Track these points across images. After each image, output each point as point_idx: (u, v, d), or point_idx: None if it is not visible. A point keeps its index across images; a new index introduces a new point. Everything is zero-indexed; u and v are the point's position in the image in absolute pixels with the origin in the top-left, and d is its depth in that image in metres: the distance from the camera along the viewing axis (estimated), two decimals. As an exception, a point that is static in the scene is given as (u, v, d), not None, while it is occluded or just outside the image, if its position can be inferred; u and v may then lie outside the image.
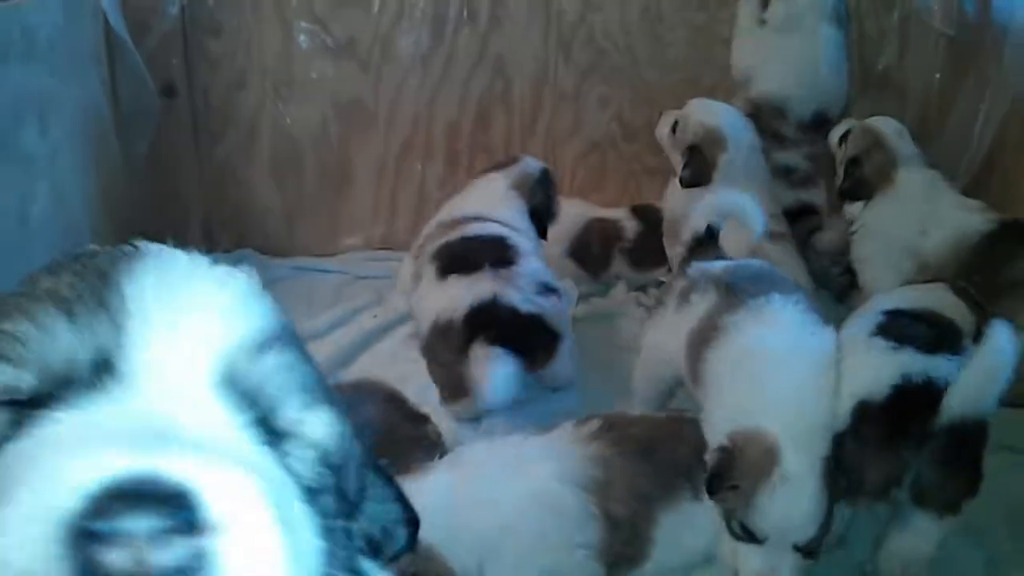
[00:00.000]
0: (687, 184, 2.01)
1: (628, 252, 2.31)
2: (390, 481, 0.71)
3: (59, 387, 0.51)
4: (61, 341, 0.53)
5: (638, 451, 1.40)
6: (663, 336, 1.61)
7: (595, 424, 1.44)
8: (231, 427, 0.52)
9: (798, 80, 2.20)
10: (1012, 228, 1.80)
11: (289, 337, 0.60)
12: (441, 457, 1.45)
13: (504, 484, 1.35)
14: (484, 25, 2.33)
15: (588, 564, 1.33)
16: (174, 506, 0.42)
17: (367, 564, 0.66)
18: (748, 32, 2.25)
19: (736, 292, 1.48)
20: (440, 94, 2.38)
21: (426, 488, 1.33)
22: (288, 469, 0.55)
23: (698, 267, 1.61)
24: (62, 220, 1.89)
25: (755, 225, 1.65)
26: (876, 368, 1.33)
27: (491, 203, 2.01)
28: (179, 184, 2.33)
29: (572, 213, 2.37)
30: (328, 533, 0.55)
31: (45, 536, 0.41)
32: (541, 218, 2.07)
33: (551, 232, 2.31)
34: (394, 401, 1.53)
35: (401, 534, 0.71)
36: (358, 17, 2.29)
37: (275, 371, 0.56)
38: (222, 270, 0.63)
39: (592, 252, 2.33)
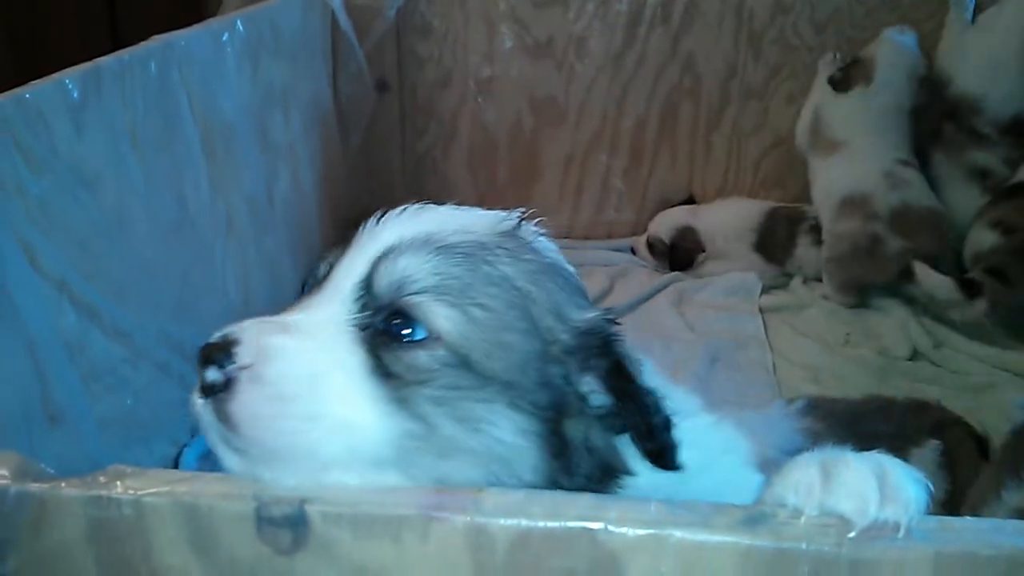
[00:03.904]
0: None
1: (811, 231, 2.35)
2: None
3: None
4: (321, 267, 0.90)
5: (844, 424, 1.47)
6: None
7: (802, 402, 1.52)
8: (336, 316, 0.80)
9: (999, 76, 2.21)
10: None
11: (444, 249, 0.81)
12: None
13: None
14: (676, 25, 2.42)
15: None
16: (220, 351, 0.74)
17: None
18: (954, 33, 2.27)
19: None
20: (630, 91, 2.49)
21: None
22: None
23: None
24: (297, 200, 2.09)
25: None
26: None
27: None
28: (386, 172, 2.52)
29: (753, 208, 2.44)
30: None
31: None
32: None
33: (734, 229, 2.40)
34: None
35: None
36: (557, 18, 2.42)
37: (403, 270, 0.79)
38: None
39: (778, 238, 2.39)
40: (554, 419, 0.79)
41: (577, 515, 0.65)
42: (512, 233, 0.86)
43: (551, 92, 2.49)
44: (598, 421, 0.81)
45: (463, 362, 0.77)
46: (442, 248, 0.81)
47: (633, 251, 2.57)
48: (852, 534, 0.61)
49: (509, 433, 0.77)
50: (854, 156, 2.24)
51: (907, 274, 2.12)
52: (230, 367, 0.74)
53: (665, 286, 2.37)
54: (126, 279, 1.43)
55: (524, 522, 0.65)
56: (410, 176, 2.55)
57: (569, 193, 2.61)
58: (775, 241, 2.38)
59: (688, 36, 2.43)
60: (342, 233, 2.46)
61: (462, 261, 0.80)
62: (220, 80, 1.72)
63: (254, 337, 0.76)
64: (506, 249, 0.83)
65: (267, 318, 0.80)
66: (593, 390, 0.81)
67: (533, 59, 2.46)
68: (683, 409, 0.85)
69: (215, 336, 0.77)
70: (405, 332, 0.78)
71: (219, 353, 0.75)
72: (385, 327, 0.78)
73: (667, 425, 0.79)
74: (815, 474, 0.65)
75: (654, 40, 2.44)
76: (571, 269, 0.90)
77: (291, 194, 2.05)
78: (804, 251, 2.36)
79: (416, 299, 0.78)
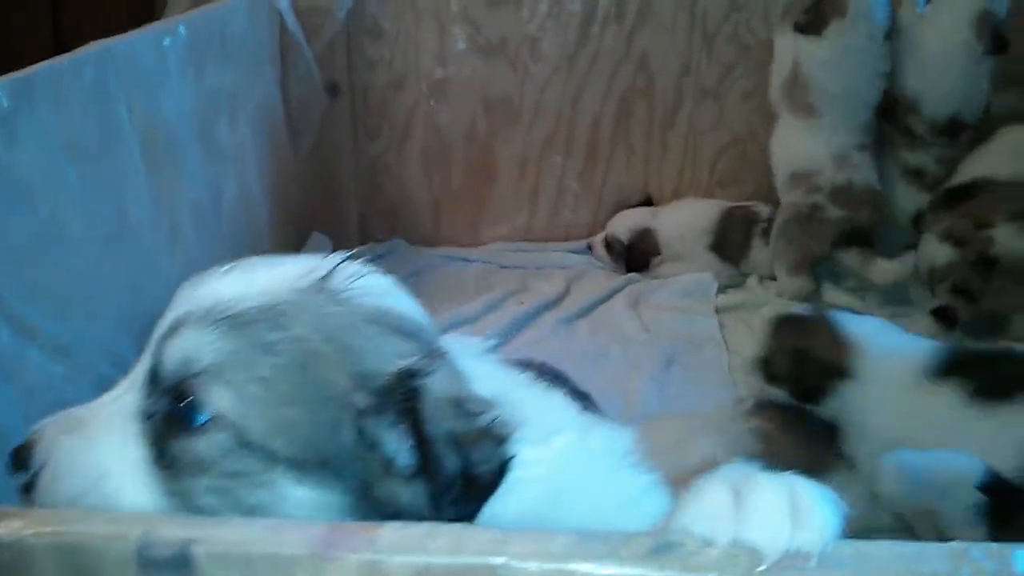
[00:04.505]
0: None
1: (765, 232, 2.36)
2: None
3: None
4: None
5: (795, 425, 1.47)
6: None
7: (751, 402, 1.52)
8: (127, 405, 0.79)
9: (935, 79, 2.21)
10: None
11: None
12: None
13: (671, 458, 1.43)
14: (630, 24, 2.41)
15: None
16: (25, 452, 0.78)
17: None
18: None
19: None
20: (584, 91, 2.47)
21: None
22: None
23: None
24: (246, 207, 2.06)
25: None
26: None
27: None
28: (338, 177, 2.48)
29: (708, 209, 2.44)
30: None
31: None
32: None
33: (691, 231, 2.40)
34: (560, 380, 1.62)
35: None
36: (509, 18, 2.40)
37: (183, 348, 0.76)
38: None
39: (733, 239, 2.39)
40: (360, 487, 0.75)
41: (478, 550, 0.62)
42: (321, 285, 0.80)
43: (505, 93, 2.47)
44: (408, 482, 0.75)
45: (244, 444, 0.74)
46: (225, 319, 0.76)
47: (591, 250, 2.56)
48: (762, 567, 0.58)
49: (305, 512, 0.74)
50: (817, 133, 2.24)
51: (844, 242, 2.19)
52: (33, 467, 0.77)
53: (622, 288, 2.36)
54: (65, 294, 1.38)
55: (423, 558, 0.62)
56: (363, 180, 2.51)
57: (525, 195, 2.59)
58: (731, 242, 2.38)
59: (642, 35, 2.43)
60: (294, 239, 2.44)
61: (245, 331, 0.76)
62: (161, 86, 1.68)
63: (50, 436, 0.78)
64: (307, 306, 0.78)
65: (70, 411, 0.80)
66: (399, 450, 0.75)
67: (486, 60, 2.43)
68: (554, 428, 0.82)
69: (26, 436, 0.79)
70: (190, 417, 0.74)
71: (24, 454, 0.78)
72: (170, 413, 0.75)
73: (489, 472, 0.74)
74: (724, 500, 0.62)
75: (608, 39, 2.43)
76: (402, 310, 0.83)
77: (239, 201, 2.01)
78: (759, 251, 2.36)
79: (196, 380, 0.74)
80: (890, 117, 2.29)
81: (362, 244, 2.53)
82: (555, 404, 0.90)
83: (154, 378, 0.77)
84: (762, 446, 1.45)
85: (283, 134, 2.28)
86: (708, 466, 1.40)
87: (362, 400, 0.76)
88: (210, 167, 1.86)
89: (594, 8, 2.40)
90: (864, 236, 2.21)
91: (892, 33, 2.23)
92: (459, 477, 0.73)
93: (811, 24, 2.21)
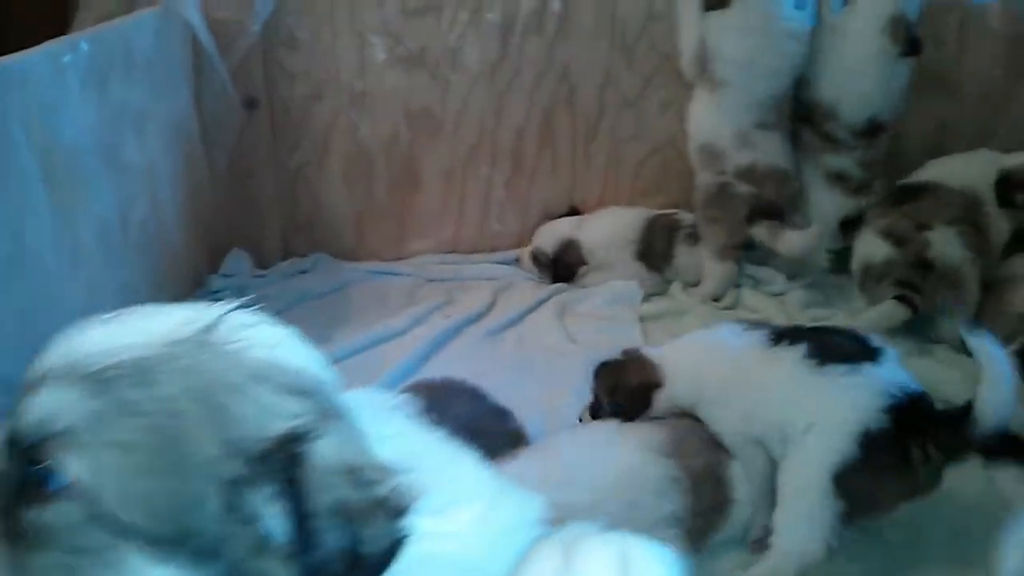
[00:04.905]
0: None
1: (688, 239, 2.38)
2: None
3: None
4: None
5: (700, 425, 1.53)
6: None
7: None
8: None
9: (851, 85, 2.24)
10: None
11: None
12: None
13: (592, 463, 1.44)
14: (550, 35, 2.40)
15: (676, 542, 1.40)
16: None
17: None
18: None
19: None
20: (507, 102, 2.46)
21: (517, 469, 1.41)
22: None
23: None
24: (158, 226, 2.00)
25: None
26: None
27: None
28: (258, 192, 2.43)
29: (632, 218, 2.44)
30: None
31: None
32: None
33: (615, 240, 2.40)
34: (478, 398, 1.61)
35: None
36: (429, 29, 2.37)
37: (40, 408, 0.69)
38: None
39: (657, 247, 2.40)
40: (229, 567, 0.68)
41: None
42: (202, 337, 0.72)
43: (427, 104, 2.45)
44: (286, 562, 0.68)
45: (95, 516, 0.66)
46: (87, 376, 0.69)
47: (518, 262, 2.55)
48: None
49: None
50: (722, 106, 2.26)
51: (754, 217, 2.24)
52: None
53: (548, 298, 2.35)
54: (-44, 323, 1.33)
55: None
56: (284, 194, 2.47)
57: (451, 206, 2.57)
58: (655, 250, 2.39)
59: (562, 46, 2.42)
60: (213, 258, 2.38)
61: (107, 389, 0.68)
62: (62, 105, 1.62)
63: None
64: (179, 361, 0.70)
65: None
66: (276, 526, 0.68)
67: (407, 71, 2.41)
68: (462, 497, 0.78)
69: None
70: (43, 483, 0.67)
71: None
72: (24, 478, 0.69)
73: (380, 550, 0.69)
74: (557, 563, 0.61)
75: (529, 50, 2.42)
76: (296, 364, 0.75)
77: (151, 221, 1.96)
78: (683, 258, 2.38)
79: (51, 443, 0.67)
80: (810, 122, 2.31)
81: (283, 260, 2.48)
82: (465, 468, 0.84)
83: (13, 439, 0.70)
84: (668, 434, 1.48)
85: (198, 150, 2.23)
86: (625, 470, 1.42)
87: (234, 469, 0.68)
88: (117, 187, 1.81)
89: (513, 19, 2.38)
90: (773, 210, 2.25)
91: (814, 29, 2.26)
92: (343, 555, 0.67)
93: (720, 0, 2.24)
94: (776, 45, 2.22)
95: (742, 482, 1.46)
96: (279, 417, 0.70)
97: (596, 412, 1.66)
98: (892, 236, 2.10)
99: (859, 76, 2.23)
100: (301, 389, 0.73)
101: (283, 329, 0.79)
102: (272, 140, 2.42)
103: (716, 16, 2.25)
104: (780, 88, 2.27)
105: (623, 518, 1.38)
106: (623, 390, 1.60)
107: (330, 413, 0.73)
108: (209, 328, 0.73)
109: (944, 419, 1.39)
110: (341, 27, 2.35)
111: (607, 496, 1.39)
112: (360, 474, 0.70)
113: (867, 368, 1.42)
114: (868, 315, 2.06)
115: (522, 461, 1.44)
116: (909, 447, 1.36)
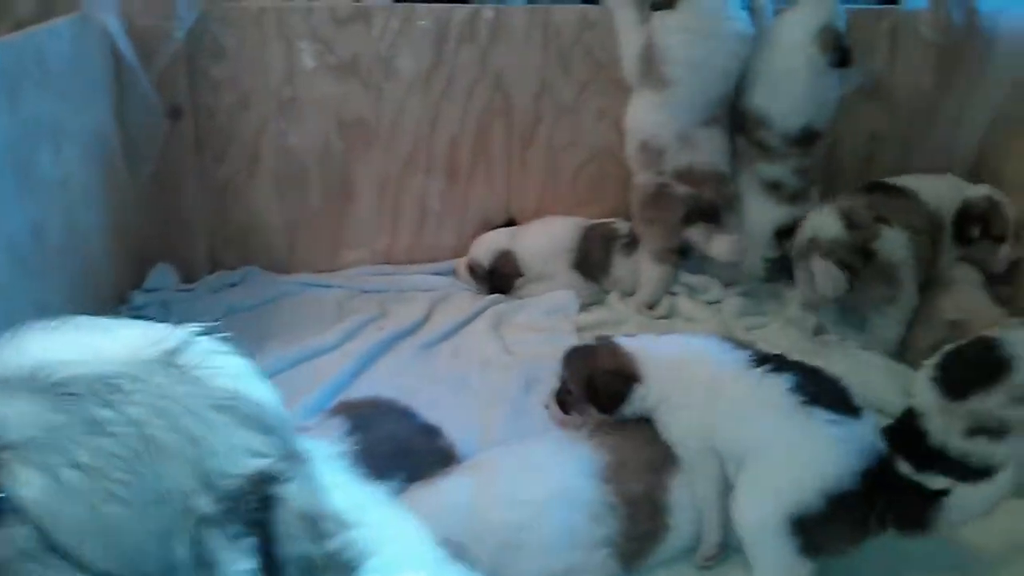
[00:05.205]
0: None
1: (625, 249, 2.36)
2: None
3: None
4: None
5: (637, 428, 1.50)
6: None
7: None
8: None
9: (784, 95, 2.25)
10: None
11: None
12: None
13: (523, 483, 1.40)
14: (484, 42, 2.37)
15: (609, 563, 1.38)
16: None
17: None
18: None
19: None
20: (442, 110, 2.42)
21: (445, 489, 1.38)
22: None
23: None
24: (75, 241, 1.93)
25: None
26: None
27: None
28: (184, 204, 2.36)
29: (569, 228, 2.42)
30: None
31: None
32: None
33: (552, 251, 2.37)
34: (407, 417, 1.57)
35: None
36: (360, 36, 2.33)
37: None
38: None
39: (595, 257, 2.38)
40: None
41: None
42: (168, 359, 0.67)
43: (360, 113, 2.40)
44: None
45: (46, 547, 0.59)
46: (48, 386, 0.62)
47: (456, 273, 2.51)
48: None
49: None
50: (666, 105, 2.24)
51: (691, 218, 2.24)
52: None
53: (485, 309, 2.31)
54: None
55: None
56: (212, 206, 2.40)
57: (386, 217, 2.52)
58: (592, 260, 2.37)
59: (496, 53, 2.39)
60: (136, 272, 2.30)
61: (69, 404, 0.61)
62: (-33, 116, 1.55)
63: None
64: (149, 382, 0.64)
65: None
66: (239, 570, 0.63)
67: (338, 79, 2.35)
68: (407, 561, 0.74)
69: None
70: None
71: None
72: None
73: None
74: None
75: (462, 58, 2.38)
76: (259, 398, 0.70)
77: (68, 236, 1.88)
78: (620, 267, 2.36)
79: (4, 455, 0.60)
80: (743, 131, 2.31)
81: (211, 273, 2.41)
82: (410, 531, 0.80)
83: None
84: (609, 457, 1.44)
85: (119, 162, 2.15)
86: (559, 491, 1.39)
87: (206, 506, 0.63)
88: (29, 201, 1.73)
89: (446, 26, 2.35)
90: (710, 212, 2.25)
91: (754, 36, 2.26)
92: None
93: (667, 0, 2.23)
94: (725, 45, 2.22)
95: (681, 509, 1.43)
96: (249, 454, 0.66)
97: (565, 404, 1.59)
98: (849, 219, 2.10)
99: (790, 85, 2.24)
100: (267, 426, 0.68)
101: (243, 360, 0.73)
102: (198, 150, 2.35)
103: (663, 16, 2.23)
104: (729, 88, 2.27)
105: (555, 540, 1.36)
106: (599, 379, 1.53)
107: (293, 455, 0.69)
108: (176, 351, 0.68)
109: (911, 492, 1.38)
110: (269, 34, 2.30)
111: (540, 517, 1.37)
112: (319, 525, 0.66)
113: (850, 423, 1.38)
114: (806, 276, 2.11)
115: (453, 479, 1.41)
116: (870, 513, 1.35)
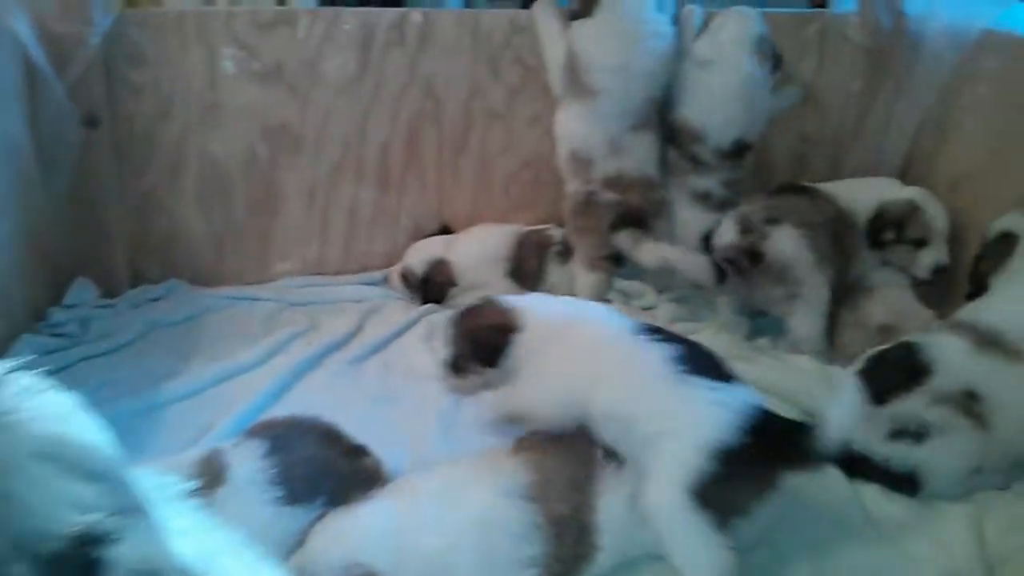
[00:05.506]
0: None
1: (559, 256, 2.34)
2: None
3: None
4: None
5: (562, 446, 1.45)
6: None
7: (514, 440, 1.50)
8: None
9: (717, 110, 2.24)
10: None
11: None
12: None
13: (448, 505, 1.36)
14: (412, 47, 2.33)
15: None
16: None
17: None
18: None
19: None
20: (370, 117, 2.37)
21: (368, 513, 1.34)
22: None
23: None
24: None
25: None
26: None
27: None
28: (104, 216, 2.28)
29: (503, 235, 2.39)
30: None
31: None
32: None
33: (486, 259, 2.34)
34: (330, 437, 1.52)
35: None
36: (284, 41, 2.27)
37: None
38: None
39: (529, 265, 2.35)
40: None
41: None
42: None
43: (285, 119, 2.34)
44: None
45: None
46: None
47: (388, 281, 2.46)
48: None
49: None
50: (596, 113, 2.21)
51: (618, 224, 2.22)
52: None
53: (417, 320, 2.27)
54: None
55: None
56: (132, 217, 2.32)
57: (315, 226, 2.47)
58: (526, 268, 2.34)
59: (425, 58, 2.35)
60: (54, 288, 2.22)
61: None
62: None
63: None
64: None
65: None
66: None
67: (262, 85, 2.29)
68: None
69: None
70: None
71: None
72: None
73: None
74: None
75: (391, 63, 2.34)
76: (85, 441, 0.64)
77: (-25, 251, 1.80)
78: (555, 275, 2.33)
79: None
80: (676, 144, 2.30)
81: (133, 287, 2.33)
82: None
83: None
84: (534, 476, 1.40)
85: (33, 173, 2.06)
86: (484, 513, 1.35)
87: (21, 574, 0.57)
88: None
89: (372, 31, 2.30)
90: (637, 218, 2.23)
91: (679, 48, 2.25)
92: None
93: (585, 8, 2.21)
94: (645, 46, 2.20)
95: (609, 528, 1.40)
96: (72, 509, 0.60)
97: (456, 366, 1.65)
98: (741, 224, 2.10)
99: (729, 102, 2.22)
100: (95, 474, 0.62)
101: (72, 399, 0.67)
102: (117, 159, 2.27)
103: (581, 25, 2.21)
104: (656, 89, 2.24)
105: (481, 563, 1.33)
106: (479, 331, 1.59)
107: (127, 505, 0.63)
108: None
109: (793, 431, 1.40)
110: (189, 39, 2.23)
111: (465, 540, 1.33)
112: None
113: (727, 387, 1.40)
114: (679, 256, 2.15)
115: (373, 503, 1.37)
116: (764, 463, 1.37)
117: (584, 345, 1.50)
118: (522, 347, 1.54)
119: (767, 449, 1.36)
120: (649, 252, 2.20)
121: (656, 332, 1.50)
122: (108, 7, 2.15)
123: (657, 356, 1.44)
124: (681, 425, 1.37)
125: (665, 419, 1.38)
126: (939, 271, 2.10)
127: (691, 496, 1.32)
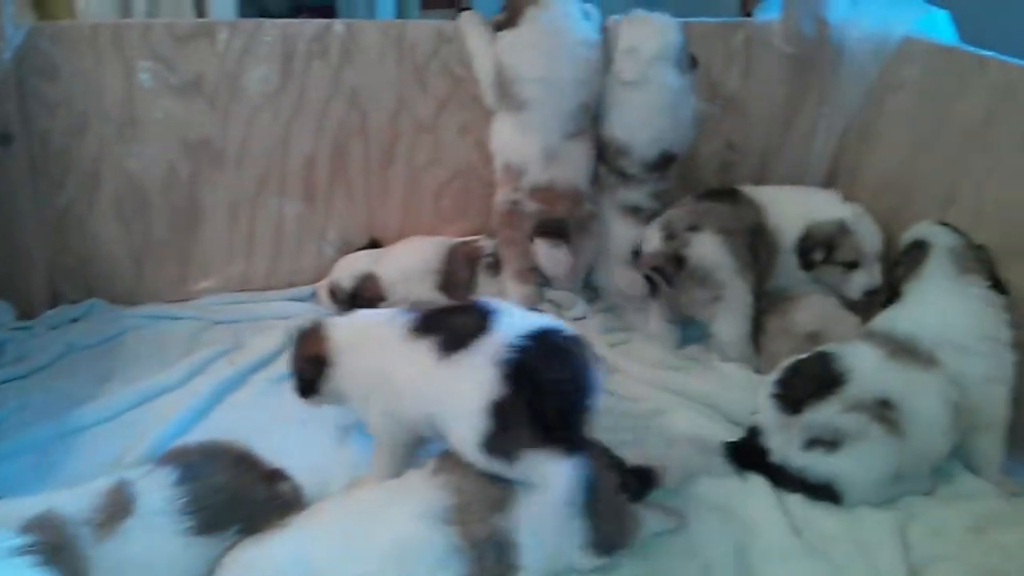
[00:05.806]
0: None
1: (490, 267, 2.32)
2: None
3: None
4: None
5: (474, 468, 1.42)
6: None
7: (432, 461, 1.46)
8: None
9: (643, 126, 2.23)
10: None
11: None
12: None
13: (364, 532, 1.33)
14: (335, 59, 2.29)
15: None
16: None
17: None
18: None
19: None
20: (294, 130, 2.33)
21: (275, 544, 1.31)
22: None
23: None
24: None
25: None
26: None
27: None
28: (20, 234, 2.20)
29: (432, 248, 2.36)
30: None
31: None
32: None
33: (415, 272, 2.31)
34: (244, 462, 1.47)
35: None
36: (202, 53, 2.21)
37: None
38: None
39: (459, 278, 2.32)
40: None
41: None
42: None
43: (205, 134, 2.28)
44: None
45: None
46: None
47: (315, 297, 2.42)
48: None
49: None
50: (530, 124, 2.18)
51: (537, 232, 2.18)
52: None
53: (344, 336, 2.23)
54: None
55: None
56: (49, 236, 2.24)
57: (240, 242, 2.41)
58: (457, 280, 2.31)
59: (349, 70, 2.31)
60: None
61: None
62: None
63: None
64: None
65: None
66: None
67: (181, 99, 2.24)
68: None
69: None
70: None
71: None
72: None
73: None
74: None
75: (313, 75, 2.29)
76: None
77: None
78: (485, 287, 2.31)
79: None
80: (604, 160, 2.28)
81: (52, 308, 2.26)
82: None
83: None
84: (451, 499, 1.38)
85: (-62, 192, 1.99)
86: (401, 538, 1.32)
87: None
88: None
89: (294, 43, 2.26)
90: (555, 228, 2.18)
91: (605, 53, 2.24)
92: None
93: (509, 19, 2.20)
94: (571, 54, 2.17)
95: (529, 547, 1.38)
96: None
97: (302, 391, 1.69)
98: (666, 230, 2.12)
99: (654, 118, 2.21)
100: None
101: None
102: (32, 176, 2.20)
103: (506, 36, 2.20)
104: (587, 97, 2.22)
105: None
106: (298, 365, 1.67)
107: None
108: None
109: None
110: (105, 53, 2.16)
111: (382, 568, 1.30)
112: None
113: (480, 343, 1.41)
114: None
115: (284, 533, 1.33)
116: (531, 405, 1.36)
117: (376, 364, 1.55)
118: (336, 378, 1.62)
119: (531, 394, 1.36)
120: (549, 259, 2.18)
121: (419, 322, 1.53)
122: (20, 20, 2.08)
123: (421, 352, 1.47)
124: (453, 404, 1.42)
125: (442, 406, 1.45)
126: (871, 293, 2.10)
127: (482, 451, 1.38)
